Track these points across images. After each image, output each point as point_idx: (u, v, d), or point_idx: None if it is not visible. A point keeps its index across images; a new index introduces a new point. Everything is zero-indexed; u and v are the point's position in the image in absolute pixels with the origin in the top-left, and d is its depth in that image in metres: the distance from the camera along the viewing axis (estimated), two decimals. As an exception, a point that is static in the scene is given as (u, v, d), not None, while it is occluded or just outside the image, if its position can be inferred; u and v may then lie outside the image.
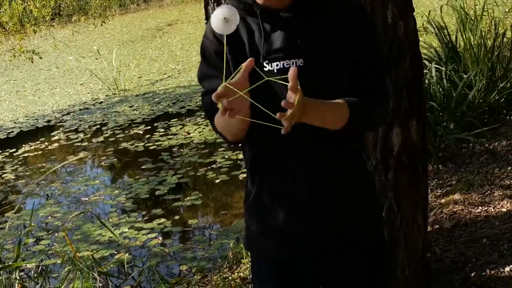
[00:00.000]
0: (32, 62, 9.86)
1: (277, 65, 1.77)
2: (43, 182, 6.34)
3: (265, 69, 1.77)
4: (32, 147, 7.61)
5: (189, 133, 7.05)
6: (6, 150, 7.59)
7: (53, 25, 15.98)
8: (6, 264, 3.89)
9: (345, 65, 1.79)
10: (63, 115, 8.88)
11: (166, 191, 5.49)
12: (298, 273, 1.97)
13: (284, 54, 1.77)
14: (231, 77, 1.61)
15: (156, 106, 8.55)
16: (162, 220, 4.93)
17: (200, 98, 1.99)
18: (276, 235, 1.93)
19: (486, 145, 4.71)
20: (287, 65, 1.76)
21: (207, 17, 2.66)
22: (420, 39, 3.15)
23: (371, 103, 1.81)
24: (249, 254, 3.87)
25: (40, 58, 10.36)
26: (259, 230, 1.97)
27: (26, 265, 4.10)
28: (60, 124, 8.45)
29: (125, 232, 4.79)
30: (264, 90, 1.69)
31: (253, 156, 1.89)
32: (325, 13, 1.81)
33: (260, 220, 1.96)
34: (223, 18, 1.54)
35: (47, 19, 12.91)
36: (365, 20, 1.87)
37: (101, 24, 14.41)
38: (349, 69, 1.80)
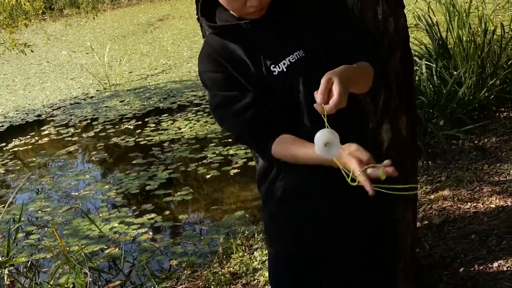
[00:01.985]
0: (25, 54, 9.81)
1: (283, 63, 1.82)
2: (33, 176, 6.33)
3: (274, 73, 1.82)
4: (22, 142, 7.59)
5: (180, 129, 7.04)
6: (-4, 144, 7.56)
7: (45, 19, 15.94)
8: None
9: (337, 43, 1.86)
10: (53, 109, 8.85)
11: (156, 186, 5.49)
12: (315, 273, 1.99)
13: (285, 52, 1.83)
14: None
15: (147, 101, 8.54)
16: (153, 215, 4.93)
17: (213, 108, 1.93)
18: (296, 234, 1.98)
19: (476, 141, 4.74)
20: (292, 59, 1.82)
21: (198, 13, 2.65)
22: (411, 35, 3.16)
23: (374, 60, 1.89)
24: (239, 249, 3.90)
25: (32, 51, 10.32)
26: (279, 229, 2.02)
27: (16, 260, 4.09)
28: (51, 118, 8.42)
29: (115, 227, 4.79)
30: (285, 92, 1.81)
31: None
32: (298, 5, 1.87)
33: (281, 220, 2.01)
34: (324, 144, 1.59)
35: (40, 12, 12.87)
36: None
37: (93, 18, 14.38)
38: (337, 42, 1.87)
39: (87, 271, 3.61)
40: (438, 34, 5.79)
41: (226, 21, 1.86)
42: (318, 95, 1.58)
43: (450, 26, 5.92)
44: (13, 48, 9.83)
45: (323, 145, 1.59)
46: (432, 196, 4.09)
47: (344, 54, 1.84)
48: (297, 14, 1.86)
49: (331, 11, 1.89)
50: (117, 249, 4.43)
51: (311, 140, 1.64)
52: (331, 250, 1.96)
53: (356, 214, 1.92)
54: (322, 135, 1.59)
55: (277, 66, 1.82)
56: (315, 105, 1.58)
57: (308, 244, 1.97)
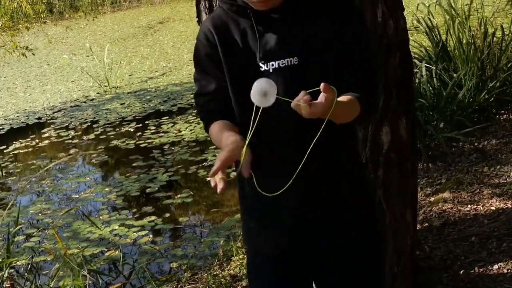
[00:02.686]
0: (26, 57, 9.82)
1: (272, 64, 1.82)
2: (33, 179, 6.33)
3: (261, 69, 1.82)
4: (23, 144, 7.59)
5: (180, 131, 7.04)
6: (-3, 147, 7.57)
7: (45, 22, 15.96)
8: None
9: (334, 60, 1.83)
10: (54, 112, 8.86)
11: (157, 188, 5.49)
12: (293, 268, 2.00)
13: (279, 54, 1.81)
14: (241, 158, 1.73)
15: (147, 103, 8.55)
16: (153, 217, 4.93)
17: (193, 98, 2.04)
18: (271, 232, 1.98)
19: (476, 144, 4.74)
20: (282, 64, 1.81)
21: (199, 15, 2.67)
22: (411, 38, 3.17)
23: (371, 97, 1.87)
24: (239, 252, 3.90)
25: (33, 54, 10.32)
26: (256, 227, 2.03)
27: (16, 262, 4.09)
28: (51, 121, 8.43)
29: (115, 229, 4.79)
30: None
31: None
32: (315, 11, 1.84)
33: (257, 219, 2.01)
34: (262, 93, 1.59)
35: (42, 16, 12.88)
36: (351, 13, 1.89)
37: (93, 19, 14.39)
38: (336, 62, 1.83)
39: (86, 274, 3.61)
40: (438, 37, 5.79)
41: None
42: (303, 94, 1.58)
43: (450, 29, 5.92)
44: (13, 51, 9.84)
45: (260, 94, 1.59)
46: (432, 199, 4.09)
47: (342, 82, 1.81)
48: (309, 20, 1.84)
49: (343, 24, 1.84)
50: (117, 252, 4.42)
51: (267, 149, 1.75)
52: (305, 245, 1.95)
53: (327, 209, 1.92)
54: (260, 85, 1.59)
55: (265, 64, 1.81)
56: (292, 103, 1.58)
57: (282, 240, 1.96)
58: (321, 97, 1.58)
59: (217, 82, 1.90)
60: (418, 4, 7.61)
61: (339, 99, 1.68)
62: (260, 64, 1.82)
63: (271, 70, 1.81)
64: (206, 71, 1.94)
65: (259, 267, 2.06)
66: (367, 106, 1.82)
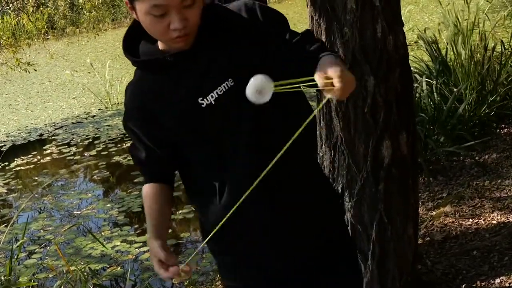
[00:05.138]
0: (29, 72, 9.86)
1: (212, 96, 1.76)
2: (35, 195, 6.34)
3: (202, 105, 1.77)
4: (25, 161, 7.61)
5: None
6: (-1, 164, 7.58)
7: (48, 38, 16.03)
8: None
9: (269, 69, 1.71)
10: (55, 128, 8.88)
11: (158, 204, 5.47)
12: None
13: (213, 84, 1.77)
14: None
15: (148, 119, 8.55)
16: (155, 233, 4.92)
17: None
18: (251, 270, 1.98)
19: (477, 158, 4.74)
20: (220, 91, 1.76)
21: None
22: (411, 53, 3.19)
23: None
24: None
25: (35, 70, 10.36)
26: (232, 262, 2.02)
27: (20, 283, 4.09)
28: (53, 137, 8.45)
29: (117, 245, 4.79)
30: (216, 126, 1.80)
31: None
32: (229, 32, 1.81)
33: (231, 253, 2.00)
34: (256, 90, 1.56)
35: (42, 32, 12.93)
36: (263, 21, 1.86)
37: (94, 37, 14.46)
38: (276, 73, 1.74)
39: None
40: (438, 52, 5.82)
41: (150, 55, 1.81)
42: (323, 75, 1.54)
43: (452, 44, 5.95)
44: (16, 67, 9.88)
45: (255, 91, 1.56)
46: (434, 213, 4.09)
47: (291, 66, 1.79)
48: (226, 40, 1.79)
49: (269, 33, 1.84)
50: (119, 268, 4.42)
51: (226, 181, 1.79)
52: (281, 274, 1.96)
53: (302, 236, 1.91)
54: (256, 80, 1.56)
55: (205, 99, 1.76)
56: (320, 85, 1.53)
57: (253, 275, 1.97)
58: (337, 79, 1.52)
59: (146, 150, 1.91)
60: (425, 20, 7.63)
61: (328, 63, 1.62)
62: (199, 101, 1.77)
63: (213, 102, 1.76)
64: (137, 138, 1.92)
65: None
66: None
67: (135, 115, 1.87)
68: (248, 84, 1.56)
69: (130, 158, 1.91)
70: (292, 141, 1.58)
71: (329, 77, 1.53)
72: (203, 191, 1.90)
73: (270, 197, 1.82)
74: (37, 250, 4.95)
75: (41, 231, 5.37)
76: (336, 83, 1.51)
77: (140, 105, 1.85)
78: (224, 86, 1.76)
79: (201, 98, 1.77)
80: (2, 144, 8.40)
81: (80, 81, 11.78)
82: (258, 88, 1.55)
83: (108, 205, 5.76)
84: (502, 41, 5.87)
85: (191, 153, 1.88)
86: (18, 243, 4.30)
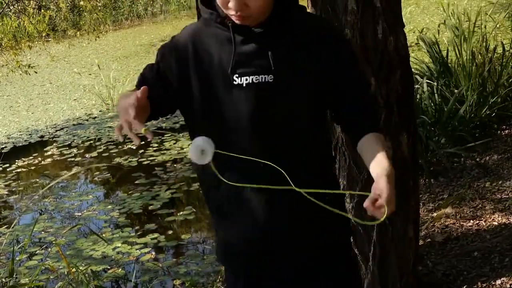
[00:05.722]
0: (29, 74, 9.87)
1: (246, 79, 1.77)
2: (36, 197, 6.34)
3: (234, 82, 1.78)
4: (26, 162, 7.61)
5: (182, 148, 7.05)
6: (-1, 166, 7.58)
7: (48, 41, 16.03)
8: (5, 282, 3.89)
9: (313, 87, 1.80)
10: (56, 130, 8.88)
11: (159, 206, 5.49)
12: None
13: (255, 69, 1.77)
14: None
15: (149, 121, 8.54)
16: (155, 235, 4.93)
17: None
18: (236, 253, 1.98)
19: (477, 159, 4.74)
20: (256, 80, 1.77)
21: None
22: (412, 55, 3.19)
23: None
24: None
25: (36, 72, 10.35)
26: (224, 245, 2.02)
27: (21, 284, 4.09)
28: (54, 139, 8.45)
29: (118, 247, 4.79)
30: (232, 106, 1.78)
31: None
32: (301, 33, 1.81)
33: (223, 236, 2.01)
34: (199, 151, 1.64)
35: (43, 34, 12.92)
36: (348, 53, 1.86)
37: (95, 39, 14.46)
38: (316, 93, 1.81)
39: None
40: (439, 53, 5.82)
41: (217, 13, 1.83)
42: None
43: (453, 45, 5.95)
44: (16, 69, 9.89)
45: (199, 152, 1.63)
46: (435, 214, 4.09)
47: (344, 110, 1.84)
48: (292, 40, 1.80)
49: (337, 61, 1.82)
50: (120, 269, 4.43)
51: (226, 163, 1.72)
52: (275, 242, 1.92)
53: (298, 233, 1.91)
54: (199, 142, 1.64)
55: (239, 78, 1.77)
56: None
57: (251, 233, 1.93)
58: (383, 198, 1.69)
59: (155, 87, 1.84)
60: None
61: (376, 161, 1.76)
62: (234, 78, 1.78)
63: (244, 85, 1.77)
64: (158, 63, 1.91)
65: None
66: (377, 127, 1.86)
67: (176, 49, 1.87)
68: (192, 145, 1.64)
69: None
70: (299, 147, 1.73)
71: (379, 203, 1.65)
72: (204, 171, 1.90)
73: (270, 195, 1.80)
74: (38, 251, 4.95)
75: (42, 232, 5.37)
76: (383, 212, 1.66)
77: (185, 45, 1.85)
78: (262, 77, 1.77)
79: (236, 76, 1.78)
80: (3, 146, 8.40)
81: (81, 83, 11.78)
82: (201, 148, 1.63)
83: (109, 206, 5.76)
84: (502, 43, 5.88)
85: (196, 124, 1.88)
86: (20, 245, 4.30)
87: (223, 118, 1.80)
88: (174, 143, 7.30)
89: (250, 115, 1.77)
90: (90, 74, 12.35)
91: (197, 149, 1.63)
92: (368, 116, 1.84)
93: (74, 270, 3.95)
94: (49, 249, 4.94)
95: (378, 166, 1.73)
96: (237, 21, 1.76)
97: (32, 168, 7.42)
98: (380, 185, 1.68)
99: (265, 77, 1.76)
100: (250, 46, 1.78)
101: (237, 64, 1.78)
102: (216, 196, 1.90)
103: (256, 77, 1.77)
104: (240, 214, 1.88)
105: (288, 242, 1.90)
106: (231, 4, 1.70)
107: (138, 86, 1.86)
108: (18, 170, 7.38)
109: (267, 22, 1.77)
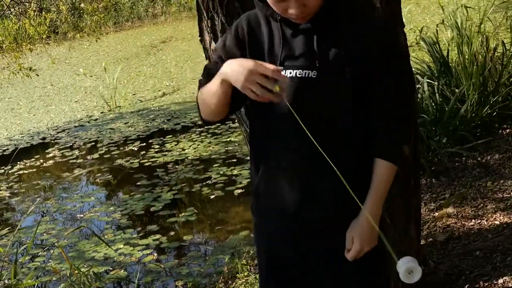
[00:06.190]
0: (30, 77, 9.89)
1: (290, 72, 1.83)
2: (38, 199, 6.34)
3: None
4: (27, 164, 7.61)
5: (184, 150, 7.06)
6: (1, 168, 7.58)
7: (49, 43, 16.06)
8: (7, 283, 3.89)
9: (354, 85, 1.83)
10: (58, 132, 8.89)
11: (161, 207, 5.50)
12: (289, 272, 2.02)
13: (299, 64, 1.83)
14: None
15: (151, 122, 8.57)
16: (157, 236, 4.94)
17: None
18: (267, 235, 2.04)
19: (479, 158, 4.75)
20: (299, 74, 1.82)
21: (201, 34, 2.69)
22: (413, 54, 3.19)
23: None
24: (244, 269, 3.90)
25: (37, 75, 10.35)
26: (257, 229, 2.10)
27: (22, 284, 4.09)
28: (55, 141, 8.45)
29: (120, 248, 4.80)
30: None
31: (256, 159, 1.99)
32: (347, 30, 1.84)
33: (257, 219, 2.08)
34: (407, 272, 1.75)
35: (44, 37, 12.94)
36: (387, 57, 1.87)
37: (96, 41, 14.47)
38: (357, 92, 1.84)
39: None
40: (440, 52, 5.82)
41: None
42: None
43: (453, 45, 5.95)
44: (18, 72, 9.90)
45: (406, 273, 1.73)
46: (436, 214, 4.09)
47: (371, 117, 1.87)
48: (338, 37, 1.83)
49: (375, 63, 1.84)
50: (122, 271, 4.43)
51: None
52: (302, 253, 1.98)
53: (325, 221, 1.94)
54: (405, 264, 1.74)
55: (284, 70, 1.81)
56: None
57: (279, 246, 2.00)
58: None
59: None
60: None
61: (369, 198, 1.88)
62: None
63: (288, 78, 1.81)
64: (226, 54, 1.93)
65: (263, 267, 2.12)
66: (395, 148, 1.94)
67: (235, 38, 1.93)
68: (398, 266, 1.75)
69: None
70: (337, 142, 1.83)
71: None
72: (254, 155, 2.00)
73: (304, 184, 1.89)
74: (40, 253, 4.95)
75: (44, 234, 5.37)
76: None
77: (242, 35, 1.92)
78: (306, 73, 1.82)
79: (282, 68, 1.81)
80: (5, 148, 8.40)
81: (82, 85, 11.79)
82: (409, 269, 1.74)
83: (111, 208, 5.76)
84: (503, 42, 5.88)
85: (251, 112, 2.01)
86: (23, 247, 4.31)
87: (268, 107, 1.84)
88: (176, 144, 7.31)
89: (286, 113, 1.81)
90: (91, 76, 12.36)
91: (406, 272, 1.75)
92: (388, 132, 1.88)
93: (76, 271, 3.96)
94: (52, 251, 4.94)
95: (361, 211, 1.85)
96: (296, 21, 1.81)
97: (34, 170, 7.42)
98: (349, 235, 1.89)
99: (308, 73, 1.81)
100: (298, 40, 1.83)
101: (284, 57, 1.84)
102: (255, 178, 1.99)
103: (300, 72, 1.82)
104: (274, 197, 1.94)
105: (319, 229, 1.94)
106: (291, 11, 1.75)
107: (207, 79, 1.94)
108: (20, 172, 7.39)
109: (315, 17, 1.81)
